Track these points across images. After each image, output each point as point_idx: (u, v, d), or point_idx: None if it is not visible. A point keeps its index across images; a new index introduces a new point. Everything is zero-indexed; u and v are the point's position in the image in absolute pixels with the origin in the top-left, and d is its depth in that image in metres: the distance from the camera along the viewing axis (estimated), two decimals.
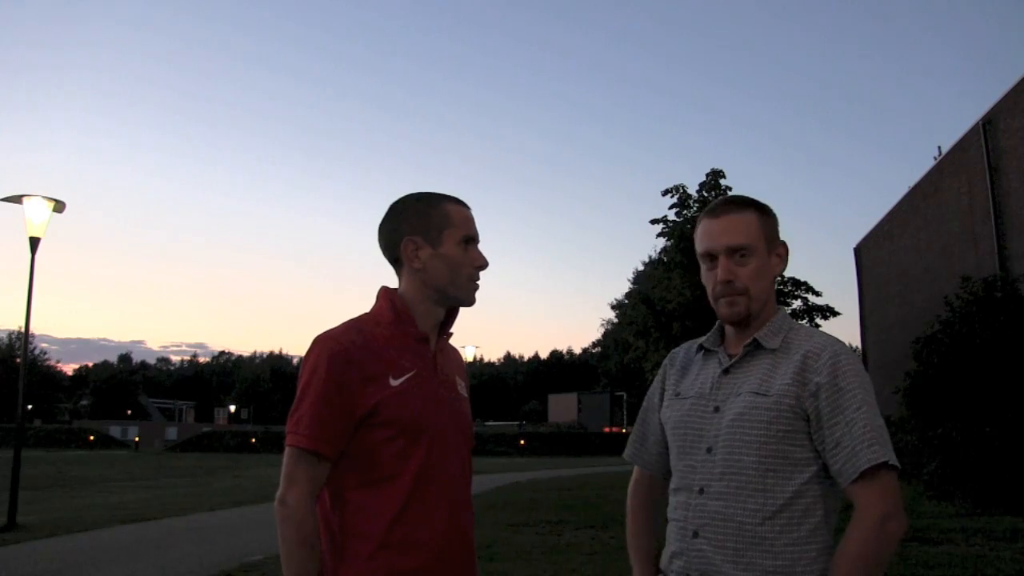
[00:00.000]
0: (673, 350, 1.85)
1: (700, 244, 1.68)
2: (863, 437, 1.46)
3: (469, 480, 1.79)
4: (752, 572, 1.48)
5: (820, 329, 1.70)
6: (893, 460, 1.46)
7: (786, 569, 1.47)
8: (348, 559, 1.61)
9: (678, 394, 1.71)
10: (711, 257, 1.66)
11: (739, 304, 1.63)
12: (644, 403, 1.86)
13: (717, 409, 1.60)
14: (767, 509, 1.50)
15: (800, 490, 1.50)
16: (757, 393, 1.55)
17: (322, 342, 1.65)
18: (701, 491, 1.57)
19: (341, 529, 1.63)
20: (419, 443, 1.64)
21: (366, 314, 1.76)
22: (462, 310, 1.83)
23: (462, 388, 1.84)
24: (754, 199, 1.71)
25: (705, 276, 1.69)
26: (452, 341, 1.87)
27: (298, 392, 1.64)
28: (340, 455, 1.62)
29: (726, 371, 1.63)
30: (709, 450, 1.58)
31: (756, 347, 1.61)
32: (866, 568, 1.42)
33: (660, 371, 1.83)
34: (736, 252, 1.63)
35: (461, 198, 1.82)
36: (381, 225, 1.80)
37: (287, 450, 1.62)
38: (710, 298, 1.68)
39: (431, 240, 1.74)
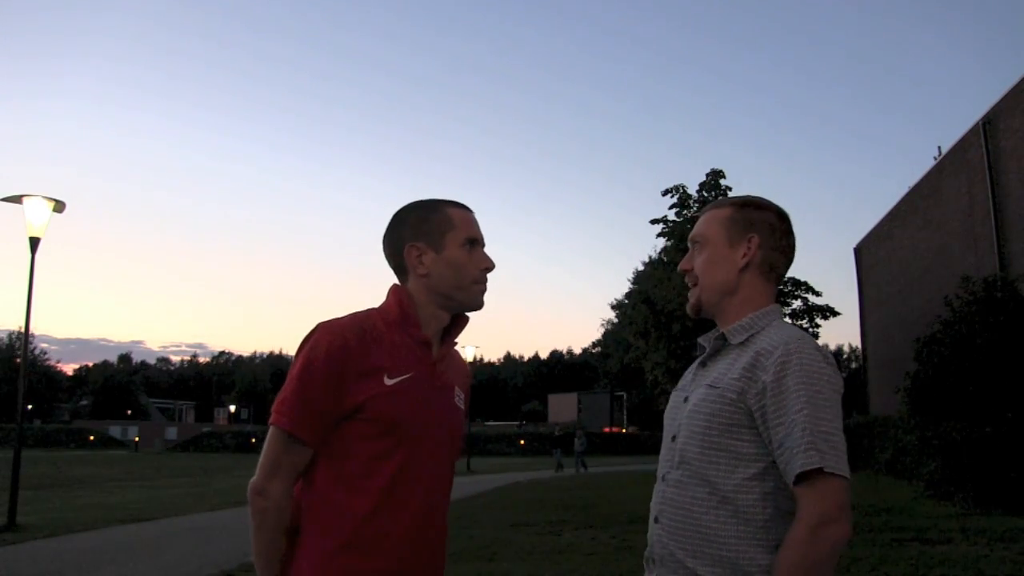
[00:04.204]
0: None
1: None
2: (801, 441, 1.42)
3: (447, 492, 1.77)
4: (700, 560, 1.50)
5: (796, 327, 1.68)
6: (831, 466, 1.41)
7: (732, 561, 1.48)
8: (308, 552, 1.58)
9: (676, 388, 1.78)
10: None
11: (692, 295, 1.73)
12: None
13: (686, 399, 1.65)
14: (712, 499, 1.51)
15: (744, 484, 1.50)
16: (710, 386, 1.59)
17: (323, 330, 1.63)
18: (663, 478, 1.63)
19: (307, 519, 1.61)
20: (400, 446, 1.62)
21: (373, 309, 1.74)
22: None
23: (459, 400, 1.81)
24: (751, 197, 1.75)
25: None
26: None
27: (291, 374, 1.62)
28: (320, 444, 1.60)
29: (703, 364, 1.69)
30: (673, 439, 1.64)
31: (724, 342, 1.65)
32: (803, 571, 1.39)
33: None
34: (694, 244, 1.74)
35: (463, 202, 1.80)
36: (385, 235, 1.79)
37: (271, 431, 1.60)
38: None
39: (434, 245, 1.72)
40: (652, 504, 1.65)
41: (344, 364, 1.59)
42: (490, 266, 1.76)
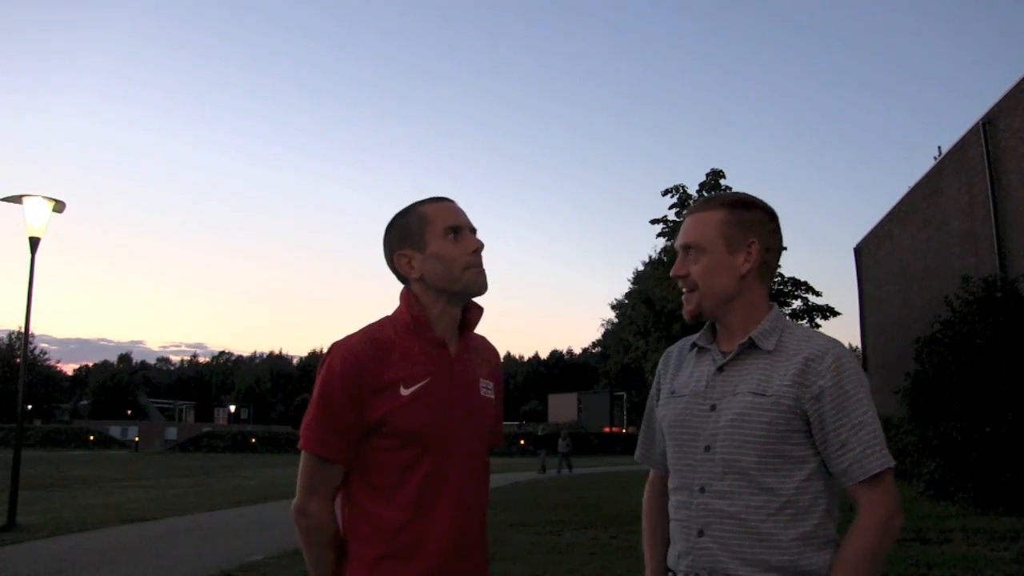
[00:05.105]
0: (668, 349, 1.86)
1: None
2: (872, 442, 1.52)
3: (482, 487, 1.77)
4: (758, 568, 1.51)
5: (814, 329, 1.71)
6: (893, 463, 1.55)
7: (792, 563, 1.50)
8: (353, 562, 1.64)
9: (673, 392, 1.73)
10: (679, 253, 1.75)
11: (691, 301, 1.69)
12: (647, 404, 1.87)
13: (713, 407, 1.61)
14: (771, 506, 1.53)
15: (801, 487, 1.54)
16: (755, 393, 1.57)
17: (336, 351, 1.67)
18: (702, 490, 1.59)
19: (349, 531, 1.67)
20: (426, 454, 1.64)
21: (387, 317, 1.76)
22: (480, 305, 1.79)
23: (487, 390, 1.79)
24: (739, 196, 1.73)
25: None
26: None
27: (312, 398, 1.68)
28: (350, 460, 1.66)
29: (720, 369, 1.64)
30: (707, 448, 1.60)
31: (751, 346, 1.63)
32: (873, 558, 1.49)
33: (657, 371, 1.85)
34: (688, 249, 1.69)
35: (443, 196, 1.80)
36: (383, 252, 1.82)
37: (303, 455, 1.67)
38: None
39: (417, 246, 1.74)
40: (687, 517, 1.61)
41: (360, 382, 1.63)
42: (477, 246, 1.75)
